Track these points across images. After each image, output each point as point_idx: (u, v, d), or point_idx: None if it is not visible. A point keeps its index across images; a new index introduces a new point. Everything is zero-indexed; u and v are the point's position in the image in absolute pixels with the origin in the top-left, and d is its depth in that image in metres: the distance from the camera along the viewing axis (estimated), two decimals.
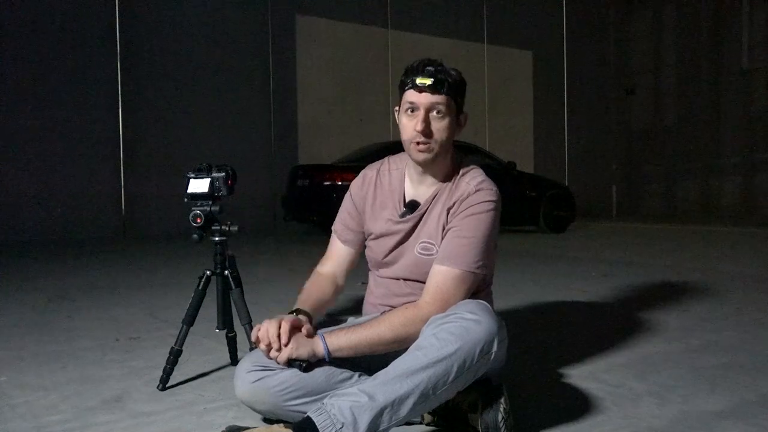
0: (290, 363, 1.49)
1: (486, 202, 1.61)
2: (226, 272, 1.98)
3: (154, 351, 2.45)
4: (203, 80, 9.59)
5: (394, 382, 1.34)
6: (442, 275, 1.56)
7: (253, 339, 1.54)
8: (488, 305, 1.56)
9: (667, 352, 2.36)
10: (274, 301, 3.57)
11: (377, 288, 1.79)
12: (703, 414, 1.71)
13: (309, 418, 1.31)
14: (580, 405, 1.78)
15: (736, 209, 13.30)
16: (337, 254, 1.84)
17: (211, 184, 1.91)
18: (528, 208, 8.55)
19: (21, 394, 1.95)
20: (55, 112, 8.48)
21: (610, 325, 2.84)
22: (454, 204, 1.63)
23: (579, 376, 2.07)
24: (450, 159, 1.69)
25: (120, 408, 1.81)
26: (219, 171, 1.94)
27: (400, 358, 1.41)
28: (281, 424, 1.43)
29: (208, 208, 1.92)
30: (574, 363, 2.22)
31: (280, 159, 9.80)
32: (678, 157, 14.45)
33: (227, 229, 1.95)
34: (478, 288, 1.67)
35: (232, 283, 1.98)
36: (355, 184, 1.83)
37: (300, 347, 1.48)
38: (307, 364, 1.49)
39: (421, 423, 1.62)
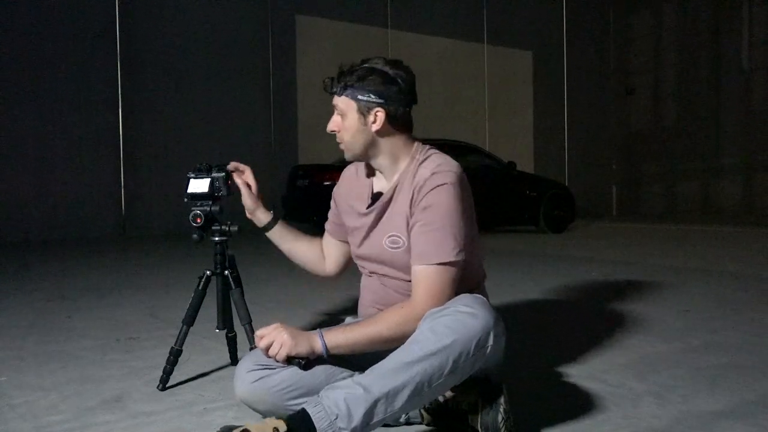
0: (289, 360, 1.49)
1: (442, 185, 1.55)
2: (226, 272, 1.98)
3: (154, 351, 2.45)
4: (203, 80, 9.59)
5: (389, 374, 1.34)
6: (424, 273, 1.54)
7: (255, 340, 1.55)
8: (485, 299, 1.55)
9: (667, 352, 2.36)
10: (274, 301, 3.57)
11: (367, 293, 1.78)
12: (703, 414, 1.71)
13: (304, 410, 1.31)
14: (580, 405, 1.78)
15: (736, 209, 13.31)
16: (326, 245, 1.91)
17: (211, 184, 1.91)
18: (528, 208, 8.55)
19: (21, 394, 1.96)
20: (55, 111, 8.48)
21: (610, 325, 2.84)
22: (413, 194, 1.60)
23: (579, 376, 2.07)
24: (399, 151, 1.66)
25: (120, 408, 1.81)
26: (219, 171, 1.94)
27: (396, 351, 1.41)
28: (274, 417, 1.41)
29: (208, 208, 1.92)
30: (574, 363, 2.22)
31: (280, 159, 9.80)
32: (678, 157, 14.45)
33: (227, 229, 1.95)
34: (472, 283, 1.67)
35: (232, 283, 1.98)
36: (338, 182, 1.88)
37: (299, 345, 1.48)
38: (306, 362, 1.50)
39: (421, 423, 1.62)
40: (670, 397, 1.84)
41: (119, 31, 8.90)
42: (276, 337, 1.49)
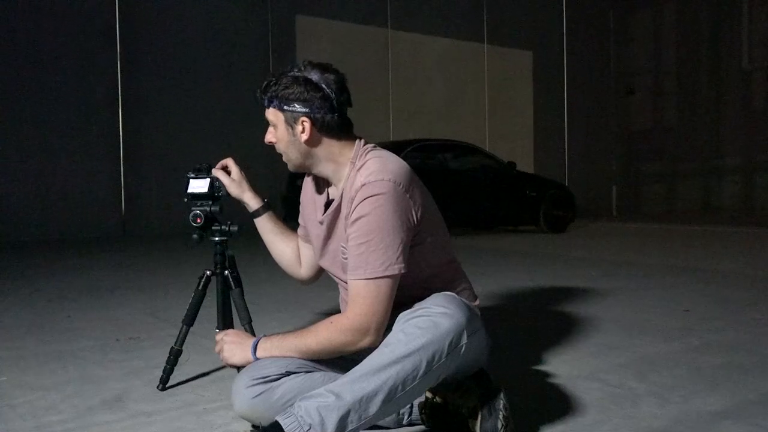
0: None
1: (371, 197, 1.46)
2: (226, 272, 1.98)
3: (154, 351, 2.45)
4: (203, 80, 9.59)
5: (361, 380, 1.32)
6: (355, 286, 1.50)
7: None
8: (456, 297, 1.51)
9: (667, 352, 2.36)
10: (274, 301, 3.57)
11: (342, 304, 1.77)
12: (703, 414, 1.71)
13: (276, 422, 1.29)
14: (580, 405, 1.78)
15: (736, 209, 13.31)
16: (301, 249, 1.88)
17: (211, 184, 1.91)
18: (528, 208, 8.55)
19: (21, 394, 1.96)
20: (55, 111, 8.48)
21: (610, 325, 2.84)
22: (348, 205, 1.55)
23: (579, 376, 2.07)
24: (336, 157, 1.61)
25: (120, 408, 1.82)
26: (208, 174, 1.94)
27: (369, 355, 1.39)
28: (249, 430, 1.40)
29: (208, 208, 1.92)
30: (574, 363, 2.22)
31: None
32: (678, 157, 14.45)
33: (227, 229, 1.95)
34: (441, 281, 1.62)
35: (232, 283, 1.98)
36: (302, 187, 1.85)
37: (233, 356, 1.58)
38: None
39: (422, 425, 1.62)
40: (670, 397, 1.84)
41: (120, 31, 8.90)
42: (221, 345, 1.62)
